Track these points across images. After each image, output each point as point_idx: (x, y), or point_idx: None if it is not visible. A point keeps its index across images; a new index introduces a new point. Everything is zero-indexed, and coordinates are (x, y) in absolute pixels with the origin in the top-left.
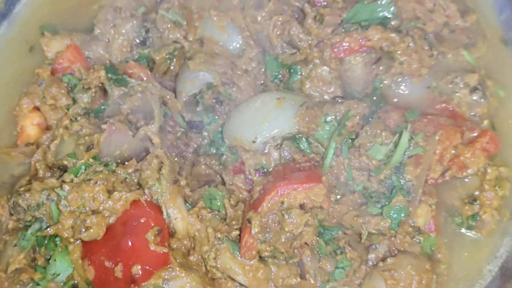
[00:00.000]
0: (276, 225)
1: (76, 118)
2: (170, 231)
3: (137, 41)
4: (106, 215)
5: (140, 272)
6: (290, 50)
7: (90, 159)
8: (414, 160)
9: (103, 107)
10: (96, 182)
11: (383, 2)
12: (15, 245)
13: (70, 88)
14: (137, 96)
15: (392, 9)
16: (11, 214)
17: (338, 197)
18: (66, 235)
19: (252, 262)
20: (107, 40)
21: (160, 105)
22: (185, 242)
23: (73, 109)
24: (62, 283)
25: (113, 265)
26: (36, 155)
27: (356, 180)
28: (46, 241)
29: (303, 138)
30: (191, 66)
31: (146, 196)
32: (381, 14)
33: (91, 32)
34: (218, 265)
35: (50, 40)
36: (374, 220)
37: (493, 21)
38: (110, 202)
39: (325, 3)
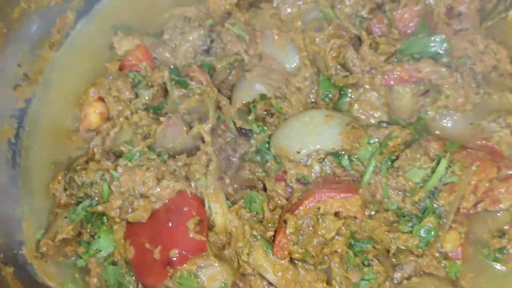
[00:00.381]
0: (310, 228)
1: (136, 111)
2: (210, 224)
3: (202, 49)
4: (153, 200)
5: (177, 256)
6: (343, 72)
7: (145, 148)
8: (449, 187)
9: (163, 105)
10: (148, 168)
11: (436, 39)
12: (65, 217)
13: (134, 84)
14: (195, 98)
15: (444, 45)
16: (65, 190)
17: (372, 213)
18: (113, 214)
19: (282, 262)
20: (174, 45)
21: (215, 108)
22: (222, 237)
23: (134, 103)
24: (102, 259)
25: (153, 247)
26: (95, 140)
27: (391, 199)
28: (93, 219)
29: (345, 156)
30: (248, 77)
31: (192, 189)
32: (433, 49)
33: (160, 36)
34: (250, 261)
35: (122, 39)
36: (404, 237)
37: None
38: (158, 188)
39: (381, 33)
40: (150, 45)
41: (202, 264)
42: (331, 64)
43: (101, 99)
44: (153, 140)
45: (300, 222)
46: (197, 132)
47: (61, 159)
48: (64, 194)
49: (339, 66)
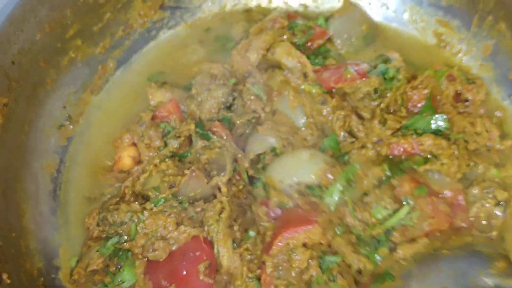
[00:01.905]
0: (286, 263)
1: (164, 159)
2: (217, 266)
3: (224, 105)
4: (171, 242)
5: None
6: (351, 138)
7: (169, 195)
8: (402, 229)
9: (187, 154)
10: (170, 215)
11: (438, 118)
12: (97, 251)
13: (164, 133)
14: (216, 150)
15: (445, 125)
16: (98, 225)
17: (338, 232)
18: (137, 251)
19: None
20: (200, 99)
21: (232, 161)
22: (225, 277)
23: (163, 151)
24: None
25: (168, 284)
26: (127, 182)
27: (355, 227)
28: (120, 253)
29: (319, 188)
30: (260, 130)
31: (204, 234)
32: (434, 126)
33: (189, 90)
34: None
35: (156, 91)
36: (363, 259)
37: None
38: (176, 233)
39: (392, 110)
40: (179, 98)
41: None
42: (339, 132)
43: (134, 144)
44: (177, 189)
45: (276, 260)
46: (216, 183)
47: (95, 194)
48: (97, 229)
49: (346, 134)
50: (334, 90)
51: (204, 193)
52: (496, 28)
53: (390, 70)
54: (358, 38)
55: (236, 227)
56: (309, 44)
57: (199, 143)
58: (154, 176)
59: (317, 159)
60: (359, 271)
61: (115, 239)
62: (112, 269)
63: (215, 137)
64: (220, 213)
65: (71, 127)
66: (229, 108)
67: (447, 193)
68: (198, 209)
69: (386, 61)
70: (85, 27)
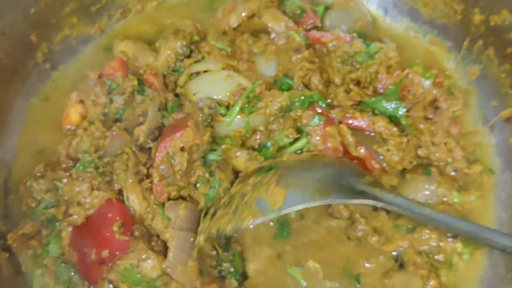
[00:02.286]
0: (169, 169)
1: (94, 122)
2: (132, 215)
3: (180, 57)
4: (86, 207)
5: (108, 255)
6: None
7: (96, 159)
8: None
9: (120, 111)
10: (83, 179)
11: (398, 105)
12: (28, 217)
13: (110, 90)
14: (147, 102)
15: (403, 113)
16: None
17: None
18: (60, 217)
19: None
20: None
21: (156, 109)
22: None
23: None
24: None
25: (89, 250)
26: (60, 146)
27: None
28: (50, 222)
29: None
30: None
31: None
32: (391, 110)
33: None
34: (153, 225)
35: (120, 41)
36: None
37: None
38: (89, 198)
39: (360, 85)
40: (140, 49)
41: (144, 257)
42: (296, 81)
43: (82, 101)
44: (103, 152)
45: (160, 170)
46: (138, 135)
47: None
48: (28, 195)
49: (302, 85)
50: (317, 46)
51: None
52: (485, 53)
53: (374, 46)
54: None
55: (144, 171)
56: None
57: (137, 99)
58: (84, 140)
59: (232, 80)
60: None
61: (43, 205)
62: (45, 235)
63: (149, 90)
64: (127, 162)
65: None
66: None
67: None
68: (106, 160)
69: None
70: (83, 6)
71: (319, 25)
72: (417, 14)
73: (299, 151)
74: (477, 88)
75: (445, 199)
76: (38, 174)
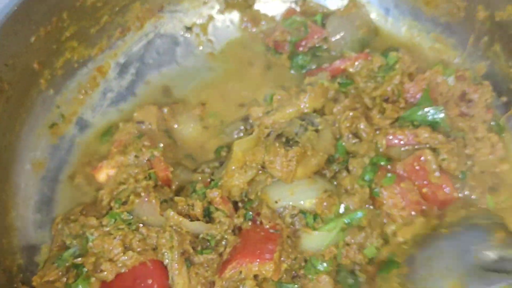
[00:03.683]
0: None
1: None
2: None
3: None
4: (119, 265)
5: None
6: (355, 139)
7: (124, 212)
8: None
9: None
10: (116, 237)
11: (435, 110)
12: (53, 263)
13: None
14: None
15: (441, 116)
16: (59, 234)
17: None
18: (88, 268)
19: None
20: None
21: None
22: None
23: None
24: None
25: None
26: (103, 191)
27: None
28: (77, 267)
29: (312, 215)
30: None
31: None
32: (430, 118)
33: None
34: None
35: None
36: None
37: None
38: (124, 257)
39: (390, 100)
40: None
41: None
42: (344, 133)
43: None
44: (129, 208)
45: (225, 284)
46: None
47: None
48: (59, 237)
49: (351, 135)
50: (339, 80)
51: (155, 221)
52: (492, 49)
53: (391, 55)
54: (353, 41)
55: (191, 250)
56: (303, 42)
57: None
58: (128, 190)
59: (316, 185)
60: None
61: (71, 251)
62: (71, 280)
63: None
64: (172, 240)
65: (64, 126)
66: None
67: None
68: (152, 234)
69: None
70: (82, 29)
71: (326, 35)
72: (419, 13)
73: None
74: None
75: None
76: (72, 217)
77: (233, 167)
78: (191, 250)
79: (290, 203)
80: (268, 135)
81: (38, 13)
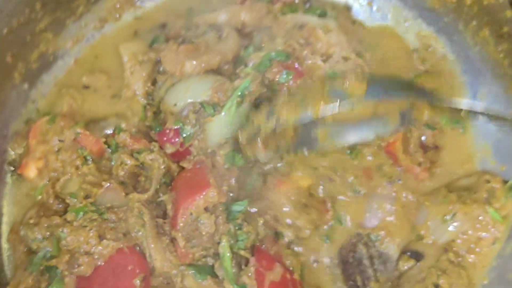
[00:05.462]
0: (196, 232)
1: (87, 162)
2: (150, 268)
3: None
4: (96, 257)
5: None
6: None
7: (88, 204)
8: None
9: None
10: (91, 229)
11: None
12: (25, 269)
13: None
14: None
15: None
16: (21, 241)
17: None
18: (63, 268)
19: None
20: None
21: (159, 180)
22: (161, 278)
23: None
24: None
25: None
26: (46, 180)
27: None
28: (50, 269)
29: (211, 106)
30: None
31: (130, 244)
32: None
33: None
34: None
35: None
36: None
37: None
38: (99, 247)
39: None
40: None
41: None
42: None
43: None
44: (93, 200)
45: (185, 233)
46: (135, 198)
47: None
48: (21, 245)
49: None
50: None
51: (121, 204)
52: (480, 34)
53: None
54: None
55: (161, 221)
56: None
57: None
58: (74, 180)
59: (207, 79)
60: None
61: (41, 254)
62: (44, 284)
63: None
64: (141, 216)
65: None
66: None
67: None
68: (120, 215)
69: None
70: (57, 21)
71: None
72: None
73: None
74: None
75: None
76: (31, 221)
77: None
78: (161, 221)
79: (188, 100)
80: None
81: (10, 4)
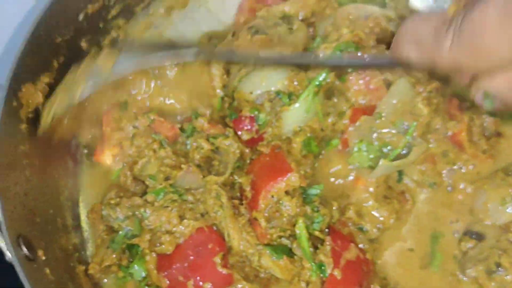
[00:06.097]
0: (277, 213)
1: (163, 146)
2: (228, 247)
3: None
4: (177, 236)
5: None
6: None
7: (168, 186)
8: None
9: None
10: (172, 209)
11: None
12: (108, 247)
13: None
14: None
15: None
16: (102, 221)
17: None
18: (144, 246)
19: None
20: None
21: (233, 164)
22: (237, 257)
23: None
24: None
25: (186, 280)
26: (124, 167)
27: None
28: (131, 247)
29: (287, 95)
30: None
31: (208, 223)
32: None
33: None
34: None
35: None
36: None
37: None
38: (181, 226)
39: None
40: None
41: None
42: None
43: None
44: (173, 182)
45: (266, 214)
46: (213, 181)
47: None
48: (102, 223)
49: None
50: None
51: (198, 186)
52: None
53: None
54: None
55: (236, 202)
56: None
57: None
58: (152, 163)
59: (282, 68)
60: None
61: (122, 233)
62: (125, 262)
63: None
64: (219, 198)
65: None
66: None
67: None
68: (198, 196)
69: None
70: (127, 8)
71: None
72: None
73: None
74: None
75: None
76: (112, 202)
77: None
78: (237, 202)
79: (264, 89)
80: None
81: None
